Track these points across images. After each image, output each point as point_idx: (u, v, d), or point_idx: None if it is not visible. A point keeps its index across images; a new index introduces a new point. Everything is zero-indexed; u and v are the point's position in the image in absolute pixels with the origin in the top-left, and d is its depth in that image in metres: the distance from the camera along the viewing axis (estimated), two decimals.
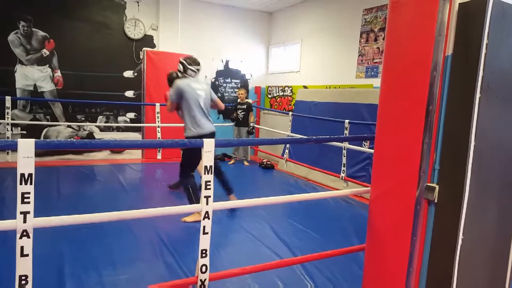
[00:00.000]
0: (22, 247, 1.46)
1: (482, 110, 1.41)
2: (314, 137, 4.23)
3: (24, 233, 1.47)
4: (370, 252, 1.86)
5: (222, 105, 3.79)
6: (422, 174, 1.55)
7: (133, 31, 6.28)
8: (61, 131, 6.06)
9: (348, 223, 3.65)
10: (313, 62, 6.35)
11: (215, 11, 6.97)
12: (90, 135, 6.22)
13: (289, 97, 6.92)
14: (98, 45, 6.07)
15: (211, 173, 1.86)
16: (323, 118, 5.06)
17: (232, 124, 6.65)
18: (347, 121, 4.42)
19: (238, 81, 7.45)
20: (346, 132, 4.42)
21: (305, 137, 4.63)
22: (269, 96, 7.55)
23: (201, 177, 1.87)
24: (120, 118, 6.41)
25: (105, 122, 6.32)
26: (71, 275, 2.38)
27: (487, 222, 1.58)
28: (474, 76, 1.39)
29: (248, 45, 7.42)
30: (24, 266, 1.47)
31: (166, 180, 4.75)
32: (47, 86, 5.84)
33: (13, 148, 1.44)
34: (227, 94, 7.39)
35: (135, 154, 6.46)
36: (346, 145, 4.42)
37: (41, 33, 5.70)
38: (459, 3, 1.45)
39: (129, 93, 6.41)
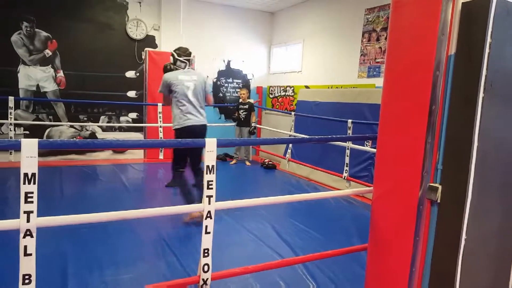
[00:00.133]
0: (25, 247, 1.47)
1: (486, 110, 1.40)
2: (316, 136, 4.24)
3: (28, 233, 1.47)
4: (372, 252, 1.86)
5: (209, 101, 3.58)
6: (424, 174, 1.55)
7: (135, 32, 6.29)
8: (64, 131, 6.08)
9: (350, 223, 3.65)
10: (315, 62, 6.35)
11: (217, 11, 6.98)
12: (93, 135, 6.23)
13: (291, 97, 6.92)
14: (100, 45, 6.09)
15: (213, 173, 1.86)
16: (326, 118, 5.06)
17: (234, 124, 6.66)
18: (350, 120, 4.42)
19: (239, 81, 7.45)
20: (349, 131, 4.42)
21: (308, 136, 4.64)
22: (271, 96, 7.55)
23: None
24: (122, 118, 6.42)
25: (107, 122, 6.33)
26: (74, 275, 2.39)
27: (490, 222, 1.57)
28: (477, 75, 1.39)
29: (250, 45, 7.42)
30: (27, 266, 1.48)
31: (168, 180, 4.76)
32: (49, 86, 5.86)
33: (17, 148, 1.45)
34: (229, 94, 7.39)
35: (137, 154, 6.47)
36: (349, 144, 4.41)
37: (43, 33, 5.73)
38: (462, 3, 1.44)
39: (131, 93, 6.42)
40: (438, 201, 1.52)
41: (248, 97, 6.64)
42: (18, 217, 1.46)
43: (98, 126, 6.24)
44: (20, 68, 5.65)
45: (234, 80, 7.39)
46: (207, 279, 1.91)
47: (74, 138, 6.04)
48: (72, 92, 5.95)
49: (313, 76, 6.36)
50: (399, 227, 1.67)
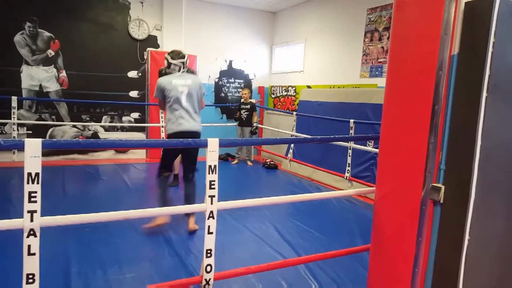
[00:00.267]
0: (29, 246, 1.48)
1: (489, 109, 1.40)
2: (318, 136, 4.23)
3: (31, 232, 1.48)
4: (375, 253, 1.86)
5: (201, 105, 3.43)
6: (427, 174, 1.54)
7: (137, 32, 6.30)
8: (66, 131, 6.10)
9: (352, 223, 3.64)
10: (317, 62, 6.34)
11: (219, 11, 6.98)
12: (95, 135, 6.25)
13: (293, 97, 6.91)
14: (103, 45, 6.11)
15: (215, 173, 1.86)
16: (328, 117, 5.05)
17: (235, 124, 6.66)
18: (352, 120, 4.41)
19: (241, 81, 7.45)
20: (352, 131, 4.41)
21: (309, 136, 4.63)
22: (273, 96, 7.55)
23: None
24: (124, 118, 6.43)
25: (110, 122, 6.35)
26: (77, 274, 2.40)
27: (493, 222, 1.56)
28: (480, 75, 1.38)
29: (252, 45, 7.42)
30: (31, 265, 1.49)
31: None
32: (52, 86, 5.88)
33: (20, 147, 1.46)
34: (231, 94, 7.39)
35: (139, 154, 6.48)
36: (351, 144, 4.40)
37: (46, 33, 5.74)
38: (465, 2, 1.44)
39: (134, 93, 6.43)
40: (441, 201, 1.52)
41: (250, 97, 6.64)
42: (21, 216, 1.47)
43: (101, 126, 6.26)
44: (23, 68, 5.67)
45: (236, 80, 7.40)
46: (209, 279, 1.91)
47: (77, 138, 6.06)
48: (74, 92, 5.97)
49: (315, 76, 6.35)
50: (401, 228, 1.67)
